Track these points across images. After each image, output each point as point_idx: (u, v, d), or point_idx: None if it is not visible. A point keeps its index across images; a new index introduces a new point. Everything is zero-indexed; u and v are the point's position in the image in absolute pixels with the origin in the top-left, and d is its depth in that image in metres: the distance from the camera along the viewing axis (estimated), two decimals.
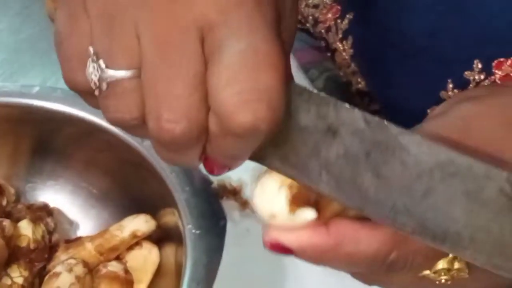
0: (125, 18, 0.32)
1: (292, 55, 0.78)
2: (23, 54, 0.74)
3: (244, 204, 0.65)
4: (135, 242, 0.57)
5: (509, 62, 0.55)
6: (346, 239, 0.36)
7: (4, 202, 0.57)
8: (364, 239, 0.37)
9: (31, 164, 0.61)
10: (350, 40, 0.68)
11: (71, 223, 0.61)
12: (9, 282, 0.52)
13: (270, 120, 0.32)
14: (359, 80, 0.73)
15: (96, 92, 0.34)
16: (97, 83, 0.34)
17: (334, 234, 0.36)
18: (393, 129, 0.33)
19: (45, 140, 0.60)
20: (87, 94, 0.35)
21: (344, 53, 0.70)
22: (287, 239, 0.36)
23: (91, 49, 0.33)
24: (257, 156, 0.36)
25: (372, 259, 0.37)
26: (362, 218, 0.37)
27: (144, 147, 0.56)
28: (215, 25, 0.32)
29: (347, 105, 0.34)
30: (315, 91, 0.35)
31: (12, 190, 0.59)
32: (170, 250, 0.57)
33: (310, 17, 0.74)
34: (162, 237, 0.58)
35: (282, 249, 0.37)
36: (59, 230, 0.60)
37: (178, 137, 0.32)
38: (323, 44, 0.76)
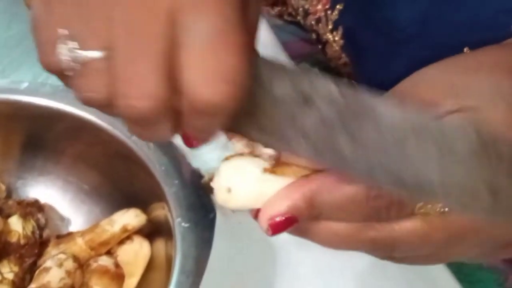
0: (98, 2, 0.34)
1: (283, 48, 0.78)
2: (13, 50, 0.74)
3: None
4: (126, 236, 0.57)
5: None
6: (327, 180, 0.38)
7: None
8: (348, 183, 0.38)
9: (21, 160, 0.61)
10: (340, 30, 0.68)
11: (62, 218, 0.61)
12: None
13: (232, 97, 0.33)
14: (350, 71, 0.73)
15: (70, 73, 0.35)
16: (69, 64, 0.35)
17: (314, 180, 0.38)
18: (367, 97, 0.35)
19: (35, 136, 0.60)
20: (63, 76, 0.36)
21: (334, 44, 0.70)
22: (280, 208, 0.38)
23: (64, 31, 0.35)
24: (235, 128, 0.38)
25: (355, 198, 0.38)
26: None
27: (133, 141, 0.56)
28: (182, 8, 0.33)
29: (321, 76, 0.35)
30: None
31: (3, 187, 0.59)
32: (160, 244, 0.57)
33: (301, 9, 0.74)
34: (153, 231, 0.58)
35: (283, 224, 0.38)
36: (50, 226, 0.61)
37: (144, 114, 0.34)
38: (314, 36, 0.76)
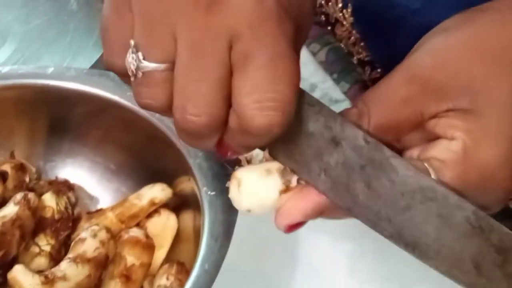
0: (166, 20, 0.37)
1: None
2: (33, 43, 0.77)
3: None
4: (154, 210, 0.59)
5: None
6: None
7: (27, 179, 0.59)
8: None
9: (49, 143, 0.64)
10: (350, 8, 0.70)
11: (91, 197, 0.64)
12: (37, 250, 0.54)
13: (281, 125, 0.37)
14: (360, 50, 0.76)
15: (132, 79, 0.39)
16: (134, 71, 0.38)
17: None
18: (387, 151, 0.39)
19: (61, 119, 0.63)
20: (122, 75, 0.40)
21: (345, 22, 0.72)
22: (294, 218, 0.42)
23: (132, 42, 0.38)
24: (267, 149, 0.42)
25: None
26: None
27: (157, 119, 0.59)
28: (243, 37, 0.37)
29: (350, 122, 0.40)
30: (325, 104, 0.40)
31: (33, 168, 0.62)
32: (187, 217, 0.60)
33: None
34: (179, 204, 0.60)
35: (296, 226, 0.43)
36: (80, 205, 0.63)
37: (198, 128, 0.38)
38: (323, 18, 0.78)
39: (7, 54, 0.75)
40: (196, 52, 0.37)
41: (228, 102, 0.37)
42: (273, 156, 0.42)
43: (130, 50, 0.38)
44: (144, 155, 0.62)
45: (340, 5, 0.71)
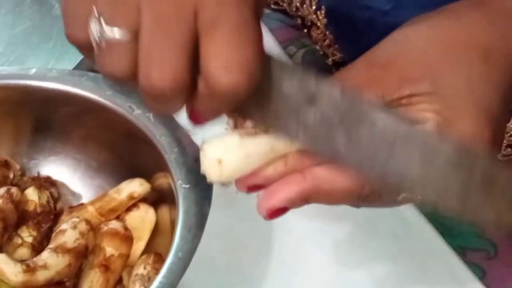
0: None
1: (271, 34, 0.84)
2: (18, 47, 0.79)
3: None
4: (132, 204, 0.62)
5: None
6: (321, 181, 0.44)
7: (11, 175, 0.62)
8: (337, 180, 0.44)
9: (32, 142, 0.66)
10: (323, 10, 0.73)
11: (73, 194, 0.66)
12: (20, 241, 0.57)
13: (246, 85, 0.39)
14: (334, 52, 0.79)
15: (96, 49, 0.40)
16: (97, 40, 0.40)
17: (310, 180, 0.44)
18: (364, 103, 0.41)
19: (44, 119, 0.65)
20: (85, 49, 0.42)
21: (319, 23, 0.75)
22: (277, 201, 0.45)
23: (95, 9, 0.40)
24: (242, 112, 0.44)
25: (347, 194, 0.44)
26: None
27: (135, 117, 0.61)
28: (208, 5, 0.39)
29: (326, 79, 0.42)
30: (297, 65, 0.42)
31: (17, 165, 0.64)
32: (165, 211, 0.62)
33: None
34: (157, 200, 0.63)
35: (278, 212, 0.45)
36: (63, 201, 0.66)
37: (164, 93, 0.39)
38: (299, 21, 0.81)
39: None
40: (161, 19, 0.39)
41: (193, 67, 0.39)
42: (249, 118, 0.44)
43: (94, 20, 0.39)
44: (124, 152, 0.64)
45: (314, 7, 0.74)
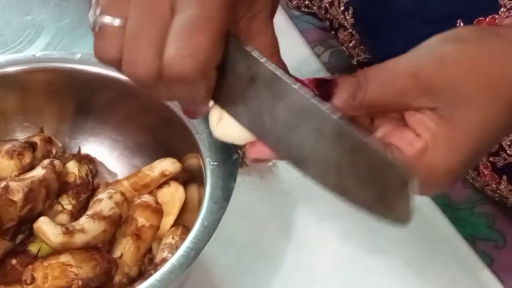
0: None
1: (301, 35, 0.88)
2: (64, 38, 0.85)
3: None
4: (164, 181, 0.66)
5: (487, 19, 0.64)
6: None
7: (54, 151, 0.67)
8: None
9: (74, 122, 0.71)
10: (350, 10, 0.78)
11: (110, 172, 0.71)
12: (60, 208, 0.62)
13: (195, 71, 0.42)
14: (359, 52, 0.83)
15: (93, 33, 0.45)
16: (92, 25, 0.45)
17: None
18: (288, 78, 0.44)
19: (86, 101, 0.70)
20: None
21: (346, 23, 0.80)
22: (264, 156, 0.48)
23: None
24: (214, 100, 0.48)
25: None
26: None
27: (171, 102, 0.66)
28: None
29: (264, 59, 0.45)
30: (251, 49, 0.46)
31: (59, 144, 0.70)
32: (194, 190, 0.67)
33: None
34: (187, 179, 0.68)
35: (262, 162, 0.49)
36: (100, 178, 0.71)
37: (141, 80, 0.43)
38: (327, 24, 0.86)
39: (40, 47, 0.84)
40: (143, 10, 0.42)
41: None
42: (217, 104, 0.48)
43: (93, 6, 0.44)
44: (159, 134, 0.69)
45: (342, 8, 0.79)
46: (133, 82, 0.44)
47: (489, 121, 0.45)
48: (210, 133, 0.62)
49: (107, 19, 0.43)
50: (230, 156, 0.62)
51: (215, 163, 0.61)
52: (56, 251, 0.58)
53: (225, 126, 0.48)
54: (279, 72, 0.44)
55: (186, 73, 0.42)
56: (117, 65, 0.44)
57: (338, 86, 0.45)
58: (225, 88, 0.46)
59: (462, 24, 0.65)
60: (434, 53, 0.46)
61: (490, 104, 0.45)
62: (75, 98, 0.70)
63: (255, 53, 0.45)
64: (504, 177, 0.69)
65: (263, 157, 0.47)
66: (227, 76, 0.46)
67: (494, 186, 0.70)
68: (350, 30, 0.80)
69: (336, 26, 0.84)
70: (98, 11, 0.44)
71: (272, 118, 0.45)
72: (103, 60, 0.45)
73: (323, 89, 0.45)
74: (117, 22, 0.43)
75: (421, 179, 0.44)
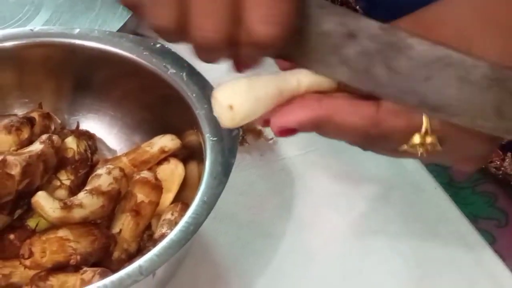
0: None
1: None
2: (63, 15, 0.84)
3: (258, 134, 0.75)
4: (164, 158, 0.66)
5: None
6: (335, 112, 0.46)
7: (52, 127, 0.67)
8: (351, 114, 0.46)
9: (73, 99, 0.71)
10: None
11: (109, 149, 0.71)
12: (58, 183, 0.62)
13: (280, 36, 0.43)
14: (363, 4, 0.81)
15: (145, 2, 0.44)
16: None
17: (324, 108, 0.46)
18: (402, 33, 0.44)
19: (85, 77, 0.70)
20: (137, 9, 0.45)
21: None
22: (289, 122, 0.46)
23: None
24: (286, 55, 0.47)
25: (356, 131, 0.47)
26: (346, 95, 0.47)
27: (169, 76, 0.66)
28: None
29: (364, 16, 0.45)
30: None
31: (58, 120, 0.69)
32: (193, 167, 0.66)
33: None
34: (187, 156, 0.67)
35: (288, 131, 0.47)
36: (99, 155, 0.70)
37: (211, 43, 0.44)
38: None
39: (39, 23, 0.83)
40: None
41: (236, 19, 0.43)
42: (293, 60, 0.47)
43: None
44: (159, 111, 0.69)
45: None
46: (198, 47, 0.44)
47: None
48: (209, 109, 0.62)
49: None
50: (230, 132, 0.61)
51: (215, 139, 0.60)
52: (54, 226, 0.57)
53: (242, 111, 0.46)
54: (386, 26, 0.44)
55: (274, 36, 0.42)
56: (175, 32, 0.44)
57: None
58: (309, 48, 0.46)
59: None
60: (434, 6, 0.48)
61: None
62: (74, 74, 0.70)
63: (346, 10, 0.45)
64: (509, 154, 0.68)
65: (289, 125, 0.46)
66: (309, 36, 0.45)
67: (498, 163, 0.69)
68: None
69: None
70: None
71: (390, 71, 0.44)
72: (160, 28, 0.44)
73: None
74: None
75: (464, 137, 0.46)
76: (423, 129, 0.46)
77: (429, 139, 0.47)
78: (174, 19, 0.44)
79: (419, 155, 0.48)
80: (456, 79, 0.43)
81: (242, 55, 0.45)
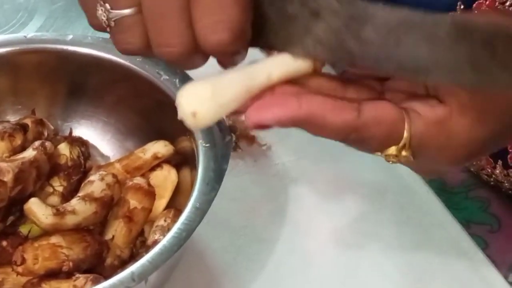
0: None
1: None
2: (56, 20, 0.85)
3: (252, 140, 0.75)
4: (157, 164, 0.66)
5: (487, 2, 0.64)
6: (315, 114, 0.45)
7: (45, 133, 0.67)
8: (331, 116, 0.45)
9: (66, 105, 0.71)
10: None
11: (102, 155, 0.71)
12: (51, 190, 0.62)
13: (231, 42, 0.42)
14: None
15: (108, 30, 0.45)
16: (106, 22, 0.44)
17: (304, 108, 0.45)
18: (360, 3, 0.44)
19: (79, 83, 0.70)
20: (105, 31, 0.46)
21: None
22: (267, 119, 0.45)
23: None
24: (266, 46, 0.47)
25: (336, 133, 0.46)
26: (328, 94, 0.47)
27: (162, 82, 0.66)
28: None
29: None
30: None
31: (51, 127, 0.69)
32: (186, 173, 0.67)
33: None
34: (180, 162, 0.67)
35: (264, 126, 0.45)
36: (92, 161, 0.70)
37: (175, 57, 0.44)
38: None
39: (33, 29, 0.83)
40: None
41: (192, 30, 0.43)
42: (271, 48, 0.47)
43: (98, 5, 0.44)
44: (152, 117, 0.69)
45: None
46: (168, 61, 0.44)
47: None
48: None
49: (120, 12, 0.43)
50: (223, 138, 0.61)
51: (208, 145, 0.60)
52: (46, 233, 0.57)
53: (205, 118, 0.44)
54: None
55: (224, 43, 0.42)
56: (144, 52, 0.44)
57: None
58: (283, 34, 0.45)
59: (462, 7, 0.64)
60: None
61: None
62: (67, 80, 0.70)
63: None
64: (500, 162, 0.68)
65: (267, 122, 0.45)
66: (280, 22, 0.45)
67: (489, 170, 0.69)
68: None
69: None
70: (108, 7, 0.43)
71: (360, 43, 0.44)
72: (128, 52, 0.45)
73: None
74: (132, 11, 0.43)
75: (439, 145, 0.44)
76: (401, 143, 0.46)
77: (404, 153, 0.47)
78: (138, 42, 0.44)
79: (390, 162, 0.48)
80: (424, 40, 0.43)
81: (205, 61, 0.45)
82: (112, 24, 0.44)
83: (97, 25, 0.46)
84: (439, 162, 0.48)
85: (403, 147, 0.46)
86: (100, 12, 0.44)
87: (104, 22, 0.44)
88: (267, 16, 0.45)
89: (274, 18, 0.45)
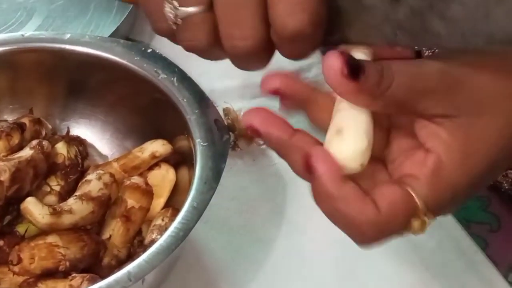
0: None
1: None
2: (55, 20, 0.84)
3: (251, 139, 0.75)
4: (155, 163, 0.66)
5: None
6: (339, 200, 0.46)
7: (43, 133, 0.66)
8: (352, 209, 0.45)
9: (65, 104, 0.71)
10: None
11: (100, 155, 0.71)
12: (48, 189, 0.61)
13: (311, 23, 0.41)
14: None
15: (174, 27, 0.44)
16: (174, 20, 0.44)
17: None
18: None
19: (77, 83, 0.70)
20: (172, 36, 0.46)
21: None
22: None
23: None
24: (333, 41, 0.45)
25: (352, 222, 0.46)
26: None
27: (160, 81, 0.65)
28: None
29: None
30: None
31: (49, 126, 0.69)
32: (184, 172, 0.66)
33: None
34: (178, 161, 0.67)
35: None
36: (90, 160, 0.70)
37: (247, 51, 0.43)
38: None
39: (32, 29, 0.83)
40: None
41: (267, 21, 0.42)
42: (346, 42, 0.45)
43: (167, 6, 0.44)
44: (150, 116, 0.69)
45: None
46: (236, 56, 0.43)
47: (510, 127, 0.44)
48: (200, 114, 0.63)
49: (190, 9, 0.43)
50: (221, 137, 0.61)
51: (206, 144, 0.60)
52: (43, 232, 0.57)
53: (367, 157, 0.44)
54: None
55: (302, 25, 0.41)
56: (210, 49, 0.44)
57: (365, 71, 0.42)
58: (360, 25, 0.44)
59: None
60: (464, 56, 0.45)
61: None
62: (65, 79, 0.70)
63: None
64: None
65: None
66: (357, 14, 0.44)
67: None
68: None
69: None
70: (176, 4, 0.43)
71: (447, 22, 0.42)
72: (194, 49, 0.44)
73: (350, 68, 0.42)
74: (201, 8, 0.43)
75: (447, 200, 0.43)
76: (421, 214, 0.44)
77: (427, 219, 0.44)
78: (206, 38, 0.44)
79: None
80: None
81: (285, 54, 0.44)
82: (179, 21, 0.44)
83: (161, 29, 0.45)
84: (456, 203, 0.46)
85: (424, 214, 0.44)
86: (167, 9, 0.44)
87: (172, 20, 0.44)
88: (341, 9, 0.44)
89: (349, 10, 0.44)
